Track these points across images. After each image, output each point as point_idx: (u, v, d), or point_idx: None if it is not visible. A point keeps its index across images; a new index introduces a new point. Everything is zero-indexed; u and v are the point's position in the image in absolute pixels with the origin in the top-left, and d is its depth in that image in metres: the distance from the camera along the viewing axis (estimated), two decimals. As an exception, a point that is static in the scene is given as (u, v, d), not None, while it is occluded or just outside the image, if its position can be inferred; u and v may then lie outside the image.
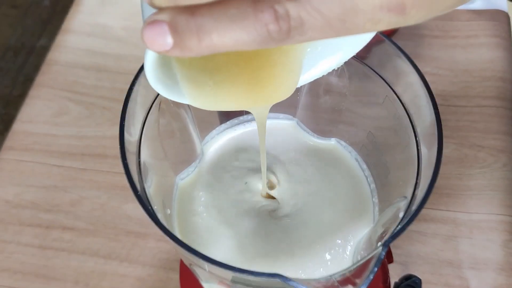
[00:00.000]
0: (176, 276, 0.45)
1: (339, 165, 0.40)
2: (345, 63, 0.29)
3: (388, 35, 0.35)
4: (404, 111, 0.32)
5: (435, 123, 0.28)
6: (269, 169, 0.39)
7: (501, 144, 0.52)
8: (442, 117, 0.28)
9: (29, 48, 1.39)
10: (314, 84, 0.38)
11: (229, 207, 0.37)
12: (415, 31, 0.60)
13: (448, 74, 0.57)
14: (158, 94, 0.33)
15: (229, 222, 0.36)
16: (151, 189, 0.30)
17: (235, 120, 0.42)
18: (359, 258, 0.33)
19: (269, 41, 0.17)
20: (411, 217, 0.25)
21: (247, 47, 0.17)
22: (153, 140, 0.33)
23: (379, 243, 0.25)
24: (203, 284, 0.35)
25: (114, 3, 0.64)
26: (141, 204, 0.26)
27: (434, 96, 0.28)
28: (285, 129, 0.42)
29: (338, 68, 0.29)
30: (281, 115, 0.42)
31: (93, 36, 0.61)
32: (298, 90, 0.39)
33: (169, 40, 0.17)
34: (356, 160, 0.40)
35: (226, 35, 0.17)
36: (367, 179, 0.39)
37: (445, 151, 0.29)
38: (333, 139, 0.41)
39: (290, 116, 0.42)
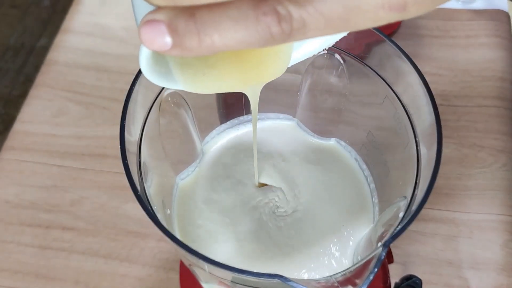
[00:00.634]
0: (176, 276, 0.45)
1: (339, 165, 0.40)
2: (345, 63, 0.29)
3: (388, 35, 0.35)
4: (404, 111, 0.32)
5: (435, 123, 0.28)
6: (269, 170, 0.39)
7: (501, 144, 0.52)
8: (442, 117, 0.28)
9: (29, 48, 1.39)
10: (314, 85, 0.38)
11: (230, 207, 0.37)
12: (415, 31, 0.60)
13: (448, 74, 0.57)
14: (159, 94, 0.33)
15: (230, 222, 0.36)
16: (151, 189, 0.30)
17: (235, 120, 0.42)
18: (359, 259, 0.33)
19: (271, 41, 0.17)
20: (411, 217, 0.25)
21: (248, 47, 0.17)
22: (153, 140, 0.33)
23: (379, 243, 0.25)
24: (203, 284, 0.35)
25: (114, 3, 0.64)
26: (141, 204, 0.26)
27: (434, 96, 0.28)
28: (285, 129, 0.42)
29: (338, 68, 0.29)
30: (281, 115, 0.42)
31: (93, 36, 0.61)
32: (298, 90, 0.39)
33: (168, 40, 0.17)
34: (356, 160, 0.40)
35: (227, 36, 0.17)
36: (366, 179, 0.39)
37: (445, 151, 0.29)
38: (332, 139, 0.41)
39: (290, 117, 0.42)
